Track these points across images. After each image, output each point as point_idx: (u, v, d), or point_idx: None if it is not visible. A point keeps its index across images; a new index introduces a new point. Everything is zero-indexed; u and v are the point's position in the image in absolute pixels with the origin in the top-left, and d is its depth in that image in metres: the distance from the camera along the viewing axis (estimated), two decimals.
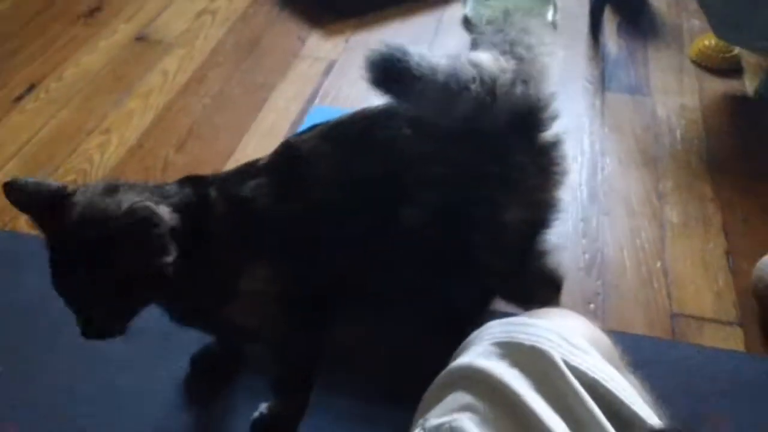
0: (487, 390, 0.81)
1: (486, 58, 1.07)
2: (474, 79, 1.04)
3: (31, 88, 2.06)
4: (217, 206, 1.09)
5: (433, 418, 0.81)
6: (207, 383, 1.32)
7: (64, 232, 0.98)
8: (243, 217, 1.10)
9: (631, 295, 1.50)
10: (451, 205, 1.12)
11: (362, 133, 1.14)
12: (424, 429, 0.79)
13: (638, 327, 1.43)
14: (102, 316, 1.00)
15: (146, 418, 1.26)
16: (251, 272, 1.10)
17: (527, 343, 0.84)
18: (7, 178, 1.01)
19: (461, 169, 1.12)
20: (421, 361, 0.97)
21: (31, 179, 1.01)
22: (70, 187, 1.03)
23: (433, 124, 1.09)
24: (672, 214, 1.69)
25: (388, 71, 1.03)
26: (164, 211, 0.98)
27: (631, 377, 0.89)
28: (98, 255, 0.95)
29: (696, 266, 1.55)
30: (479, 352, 0.88)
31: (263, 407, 1.23)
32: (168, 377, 1.32)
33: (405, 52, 1.03)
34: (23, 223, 1.61)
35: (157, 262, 0.97)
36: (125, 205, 0.96)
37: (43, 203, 1.00)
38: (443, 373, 0.89)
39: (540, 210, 1.18)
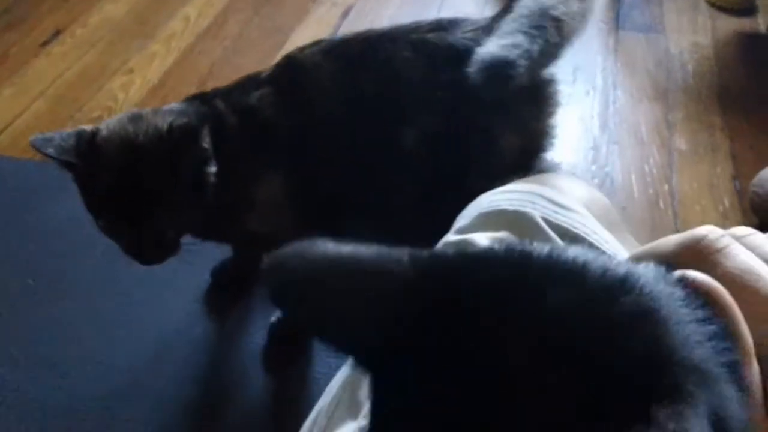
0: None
1: None
2: None
3: (57, 33, 2.13)
4: (227, 117, 1.13)
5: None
6: (227, 294, 1.38)
7: (105, 167, 0.99)
8: (252, 126, 1.14)
9: (638, 215, 1.53)
10: (449, 129, 1.15)
11: (364, 52, 1.17)
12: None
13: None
14: (160, 238, 1.04)
15: (167, 329, 1.32)
16: (266, 181, 1.15)
17: (510, 208, 0.89)
18: (36, 120, 1.05)
19: (460, 94, 1.13)
20: None
21: (50, 134, 1.01)
22: (89, 127, 1.04)
23: (434, 48, 1.13)
24: (681, 142, 1.71)
25: None
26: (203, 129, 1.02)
27: (630, 238, 0.92)
28: (150, 177, 0.99)
29: (702, 189, 1.58)
30: (462, 227, 0.93)
31: (278, 313, 1.28)
32: (189, 290, 1.38)
33: None
34: None
35: (205, 173, 1.02)
36: (164, 126, 1.00)
37: (75, 149, 1.00)
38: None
39: (534, 138, 1.21)
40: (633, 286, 0.35)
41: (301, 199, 1.16)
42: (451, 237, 0.94)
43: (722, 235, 0.41)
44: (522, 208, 0.89)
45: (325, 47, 1.18)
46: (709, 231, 0.40)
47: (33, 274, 1.40)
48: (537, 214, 0.88)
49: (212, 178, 1.04)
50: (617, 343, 0.33)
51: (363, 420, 0.78)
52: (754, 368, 0.36)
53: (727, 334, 0.36)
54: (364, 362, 0.41)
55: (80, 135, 1.02)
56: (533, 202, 0.90)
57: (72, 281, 1.39)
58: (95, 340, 1.29)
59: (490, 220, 0.91)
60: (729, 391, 0.34)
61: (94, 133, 1.02)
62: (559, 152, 1.38)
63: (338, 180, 1.18)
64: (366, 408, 0.79)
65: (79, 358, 1.27)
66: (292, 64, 1.19)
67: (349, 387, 0.84)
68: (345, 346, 0.42)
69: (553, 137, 1.22)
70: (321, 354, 1.26)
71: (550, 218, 0.88)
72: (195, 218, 1.07)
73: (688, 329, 0.34)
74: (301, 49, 1.21)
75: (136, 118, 1.04)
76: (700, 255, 0.40)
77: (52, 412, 1.18)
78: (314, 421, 0.81)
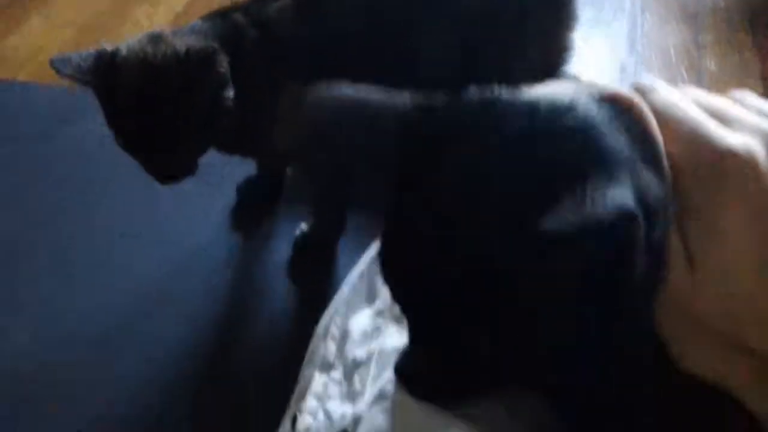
0: None
1: None
2: None
3: None
4: (247, 31, 1.13)
5: None
6: (253, 210, 1.40)
7: (123, 86, 1.01)
8: (273, 39, 1.14)
9: None
10: (469, 44, 1.13)
11: None
12: None
13: None
14: (176, 159, 1.06)
15: (193, 244, 1.35)
16: (289, 94, 1.15)
17: None
18: (59, 52, 1.05)
19: (480, 6, 1.13)
20: None
21: (70, 54, 1.03)
22: (110, 47, 1.05)
23: None
24: (710, 64, 1.69)
25: None
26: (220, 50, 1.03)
27: None
28: (167, 99, 1.00)
29: None
30: None
31: (303, 226, 1.30)
32: (214, 207, 1.40)
33: None
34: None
35: (222, 96, 1.03)
36: (182, 49, 1.01)
37: (93, 69, 1.02)
38: None
39: (556, 50, 1.20)
40: (575, 107, 0.46)
41: None
42: None
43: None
44: None
45: None
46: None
47: (64, 194, 1.43)
48: None
49: (229, 102, 1.05)
50: (561, 145, 0.44)
51: (380, 304, 0.79)
52: (665, 162, 0.46)
53: (645, 136, 0.47)
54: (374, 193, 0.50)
55: (100, 55, 1.03)
56: None
57: (101, 199, 1.42)
58: (123, 254, 1.33)
59: None
60: (649, 175, 0.44)
61: (114, 54, 1.03)
62: (586, 75, 1.36)
63: None
64: (382, 295, 0.81)
65: (106, 270, 1.30)
66: None
67: (367, 277, 0.86)
68: (360, 176, 0.55)
69: (573, 51, 1.21)
70: (345, 262, 1.27)
71: None
72: (211, 139, 1.09)
73: (615, 132, 0.45)
74: None
75: (156, 40, 1.04)
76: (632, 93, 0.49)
77: (79, 318, 1.22)
78: (335, 309, 0.83)
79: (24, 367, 1.14)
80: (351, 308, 0.83)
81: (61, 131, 1.57)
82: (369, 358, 0.74)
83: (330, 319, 0.84)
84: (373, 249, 0.89)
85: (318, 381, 0.77)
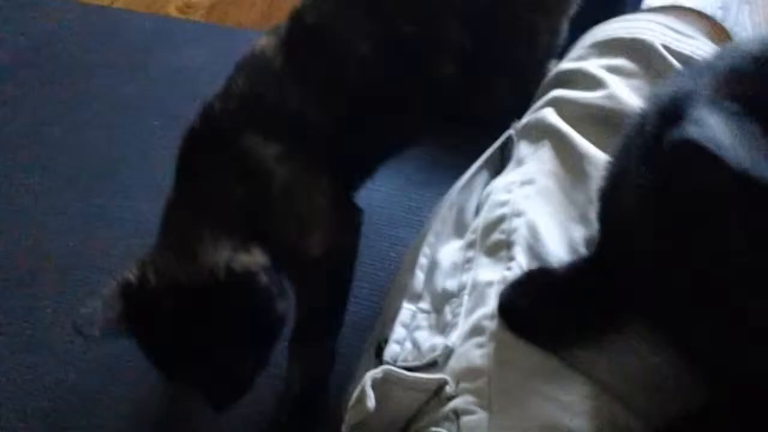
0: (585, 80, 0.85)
1: None
2: None
3: None
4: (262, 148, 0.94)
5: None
6: None
7: (161, 323, 0.88)
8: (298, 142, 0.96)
9: None
10: (481, 48, 1.00)
11: None
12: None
13: None
14: (232, 383, 0.93)
15: None
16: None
17: (627, 36, 0.85)
18: None
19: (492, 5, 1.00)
20: None
21: (89, 307, 0.88)
22: (133, 276, 0.90)
23: None
24: None
25: None
26: (257, 254, 0.90)
27: None
28: (212, 326, 0.87)
29: None
30: (575, 56, 0.91)
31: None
32: None
33: None
34: (173, 9, 1.72)
35: (275, 309, 0.91)
36: (219, 271, 0.87)
37: (125, 313, 0.88)
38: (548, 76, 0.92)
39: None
40: None
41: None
42: (564, 65, 0.92)
43: None
44: (640, 35, 0.86)
45: None
46: None
47: (156, 117, 1.46)
48: (657, 41, 0.85)
49: (284, 313, 0.92)
50: None
51: (470, 235, 0.79)
52: None
53: None
54: None
55: (125, 292, 0.89)
56: (652, 30, 0.87)
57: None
58: None
59: (605, 47, 0.88)
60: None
61: (141, 283, 0.89)
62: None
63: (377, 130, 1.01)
64: (473, 227, 0.80)
65: None
66: (302, 28, 1.00)
67: (456, 208, 0.85)
68: None
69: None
70: None
71: (670, 45, 0.85)
72: (269, 352, 0.94)
73: None
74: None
75: (183, 253, 0.90)
76: None
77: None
78: (423, 239, 0.83)
79: None
80: (439, 239, 0.83)
81: (152, 57, 1.59)
82: (461, 290, 0.74)
83: (417, 249, 0.84)
84: (463, 180, 0.89)
85: (405, 311, 0.77)
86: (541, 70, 1.00)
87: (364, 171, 1.05)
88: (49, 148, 1.41)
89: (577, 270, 0.66)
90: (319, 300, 1.00)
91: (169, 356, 0.89)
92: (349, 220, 1.00)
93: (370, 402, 0.63)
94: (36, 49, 1.62)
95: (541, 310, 0.66)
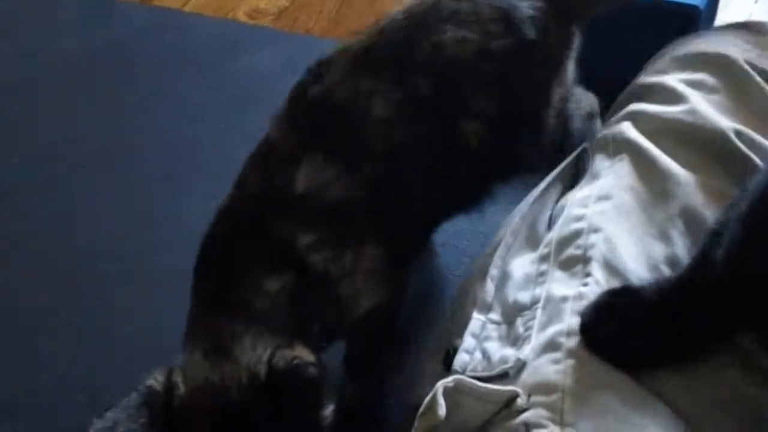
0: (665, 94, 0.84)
1: None
2: None
3: None
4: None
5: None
6: None
7: (196, 427, 0.77)
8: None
9: None
10: (505, 109, 0.94)
11: (402, 52, 0.92)
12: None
13: None
14: None
15: None
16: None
17: (710, 51, 0.84)
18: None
19: (514, 59, 0.93)
20: None
21: (108, 417, 0.78)
22: (158, 383, 0.78)
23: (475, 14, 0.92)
24: None
25: None
26: (301, 350, 0.80)
27: None
28: None
29: None
30: (655, 70, 0.89)
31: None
32: None
33: None
34: (242, 14, 1.75)
35: (319, 417, 0.80)
36: (258, 368, 0.77)
37: (148, 427, 0.77)
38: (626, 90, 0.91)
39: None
40: None
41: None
42: (644, 78, 0.91)
43: None
44: (724, 50, 0.85)
45: (347, 64, 0.92)
46: None
47: (222, 121, 1.48)
48: (740, 57, 0.83)
49: (329, 422, 0.81)
50: None
51: (544, 248, 0.78)
52: None
53: None
54: None
55: (150, 403, 0.77)
56: (735, 45, 0.85)
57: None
58: None
59: (686, 62, 0.87)
60: None
61: (169, 392, 0.77)
62: None
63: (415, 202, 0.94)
64: (546, 240, 0.79)
65: None
66: (310, 104, 0.92)
67: (528, 220, 0.84)
68: None
69: None
70: None
71: (753, 61, 0.83)
72: None
73: None
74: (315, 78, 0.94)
75: (216, 353, 0.80)
76: None
77: None
78: (494, 250, 0.82)
79: None
80: (511, 251, 0.82)
81: (220, 61, 1.62)
82: (533, 303, 0.73)
83: (488, 260, 0.83)
84: (535, 192, 0.88)
85: (476, 321, 0.77)
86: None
87: (410, 240, 0.98)
88: (114, 149, 1.44)
89: (665, 291, 0.65)
90: (366, 345, 0.98)
91: None
92: (397, 284, 0.94)
93: (441, 410, 0.63)
94: (107, 52, 1.65)
95: (624, 332, 0.65)
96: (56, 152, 1.44)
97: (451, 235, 1.20)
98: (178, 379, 0.77)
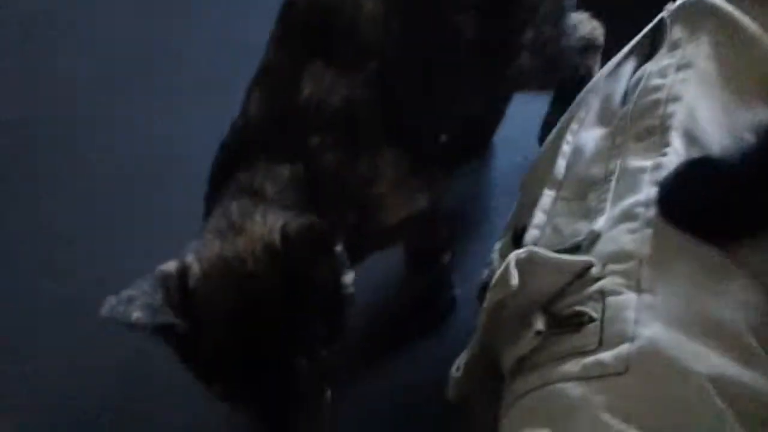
0: None
1: None
2: None
3: None
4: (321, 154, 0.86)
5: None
6: None
7: (209, 318, 0.75)
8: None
9: None
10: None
11: None
12: None
13: None
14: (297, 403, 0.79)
15: None
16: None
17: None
18: None
19: None
20: None
21: (124, 293, 0.73)
22: (172, 267, 0.77)
23: None
24: None
25: None
26: (314, 218, 0.78)
27: None
28: (268, 318, 0.75)
29: None
30: None
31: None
32: None
33: None
34: None
35: (341, 285, 0.79)
36: (273, 237, 0.76)
37: (167, 306, 0.73)
38: None
39: None
40: None
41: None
42: None
43: None
44: None
45: None
46: None
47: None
48: None
49: (351, 292, 0.80)
50: None
51: (619, 122, 0.76)
52: None
53: None
54: None
55: (166, 284, 0.75)
56: None
57: None
58: None
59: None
60: None
61: (183, 274, 0.76)
62: None
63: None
64: (620, 113, 0.77)
65: None
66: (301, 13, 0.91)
67: (601, 95, 0.82)
68: None
69: None
70: None
71: None
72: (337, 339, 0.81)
73: None
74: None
75: (229, 231, 0.79)
76: None
77: None
78: (566, 126, 0.80)
79: None
80: (583, 126, 0.80)
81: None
82: (607, 176, 0.71)
83: (560, 137, 0.81)
84: (609, 67, 0.85)
85: (546, 197, 0.76)
86: None
87: (432, 144, 0.99)
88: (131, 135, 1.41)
89: (748, 159, 0.62)
90: (422, 246, 1.02)
91: (219, 360, 0.75)
92: (431, 192, 0.94)
93: (514, 280, 0.63)
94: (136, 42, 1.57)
95: (704, 201, 0.63)
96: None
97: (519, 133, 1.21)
98: (190, 258, 0.78)
